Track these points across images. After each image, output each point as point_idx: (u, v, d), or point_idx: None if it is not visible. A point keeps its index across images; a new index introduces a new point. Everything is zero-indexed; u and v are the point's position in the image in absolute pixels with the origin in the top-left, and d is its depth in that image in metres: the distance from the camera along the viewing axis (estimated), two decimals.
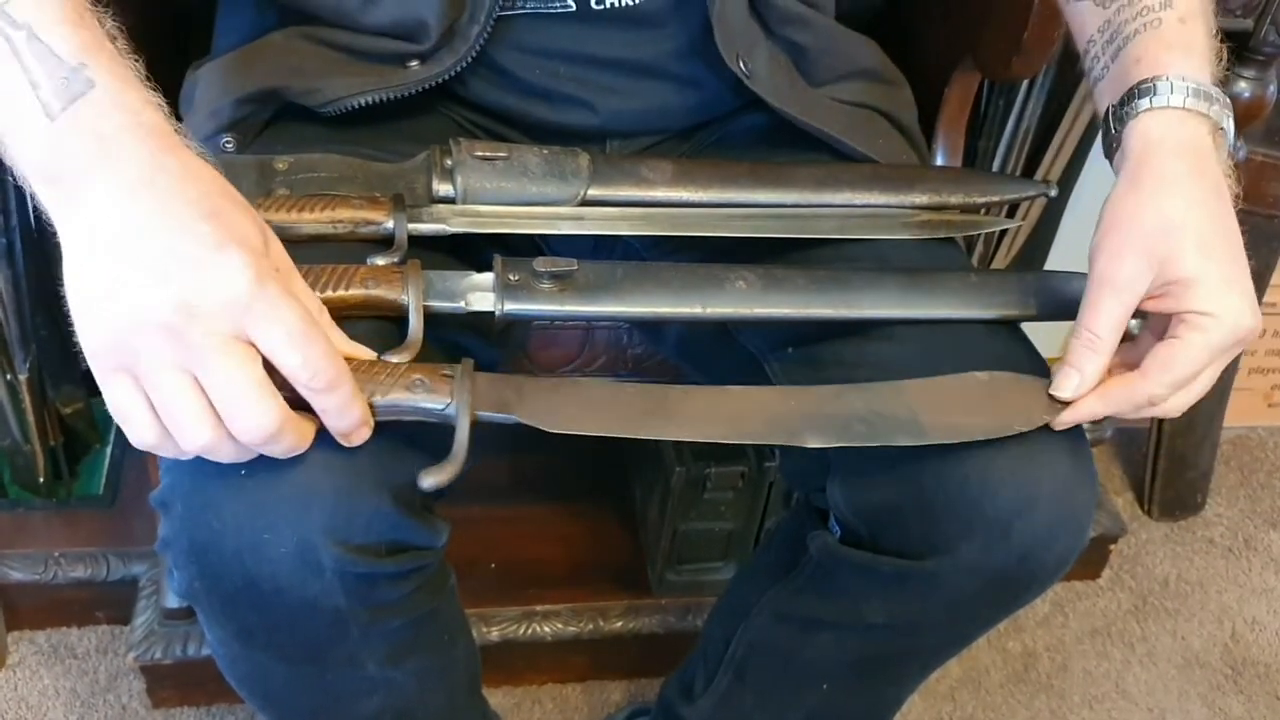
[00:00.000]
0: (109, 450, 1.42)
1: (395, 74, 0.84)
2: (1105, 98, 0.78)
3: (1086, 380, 0.73)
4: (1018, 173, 1.34)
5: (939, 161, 1.11)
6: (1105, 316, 0.72)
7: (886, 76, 0.99)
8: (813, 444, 0.71)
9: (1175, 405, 0.74)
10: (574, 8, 0.85)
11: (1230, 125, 0.75)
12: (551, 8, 0.85)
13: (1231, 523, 1.65)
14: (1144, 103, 0.73)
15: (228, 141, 0.85)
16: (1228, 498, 1.69)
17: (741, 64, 0.86)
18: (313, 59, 0.86)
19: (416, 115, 0.90)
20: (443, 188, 0.82)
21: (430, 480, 0.66)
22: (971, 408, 0.74)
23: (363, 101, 0.83)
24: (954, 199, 0.89)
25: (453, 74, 0.84)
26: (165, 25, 1.08)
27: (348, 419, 0.63)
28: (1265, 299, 1.48)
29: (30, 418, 1.29)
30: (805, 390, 0.74)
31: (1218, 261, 0.72)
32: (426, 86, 0.84)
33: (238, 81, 0.85)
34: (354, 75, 0.84)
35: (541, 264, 0.75)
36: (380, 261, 0.74)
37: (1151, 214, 0.72)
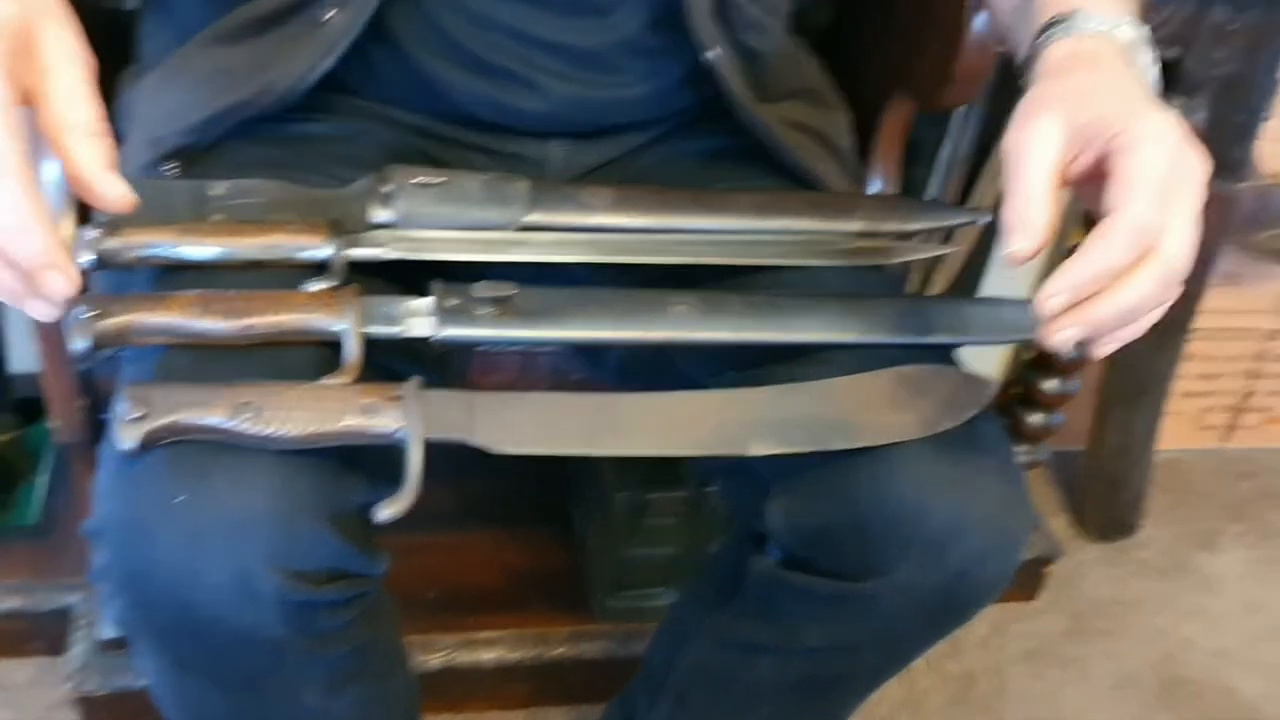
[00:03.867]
0: (42, 480, 1.40)
1: (323, 34, 0.82)
2: (1020, 52, 0.76)
3: (1033, 231, 0.64)
4: (952, 200, 1.37)
5: (875, 188, 1.12)
6: (1028, 169, 0.65)
7: (828, 101, 1.00)
8: (755, 451, 0.73)
9: (1175, 251, 0.63)
10: None
11: (1147, 54, 0.72)
12: None
13: (1165, 545, 1.68)
14: (1044, 38, 0.71)
15: (173, 168, 0.84)
16: (1161, 520, 1.71)
17: (709, 56, 0.86)
18: (242, 59, 0.84)
19: (354, 140, 0.90)
20: (381, 214, 0.82)
21: (386, 513, 0.66)
22: (900, 404, 0.75)
23: (313, 78, 0.82)
24: (888, 226, 0.90)
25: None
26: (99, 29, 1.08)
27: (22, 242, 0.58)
28: (1195, 323, 1.51)
29: None
30: (747, 393, 0.75)
31: (1143, 102, 0.67)
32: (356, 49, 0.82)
33: (179, 107, 0.85)
34: (288, 58, 0.83)
35: (481, 289, 0.75)
36: (316, 287, 0.73)
37: (1057, 88, 0.68)
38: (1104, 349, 0.69)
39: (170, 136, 0.84)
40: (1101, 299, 0.64)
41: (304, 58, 0.83)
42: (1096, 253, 0.63)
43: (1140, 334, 0.68)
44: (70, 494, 1.35)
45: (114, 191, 0.62)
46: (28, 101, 0.60)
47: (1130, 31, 0.72)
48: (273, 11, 0.84)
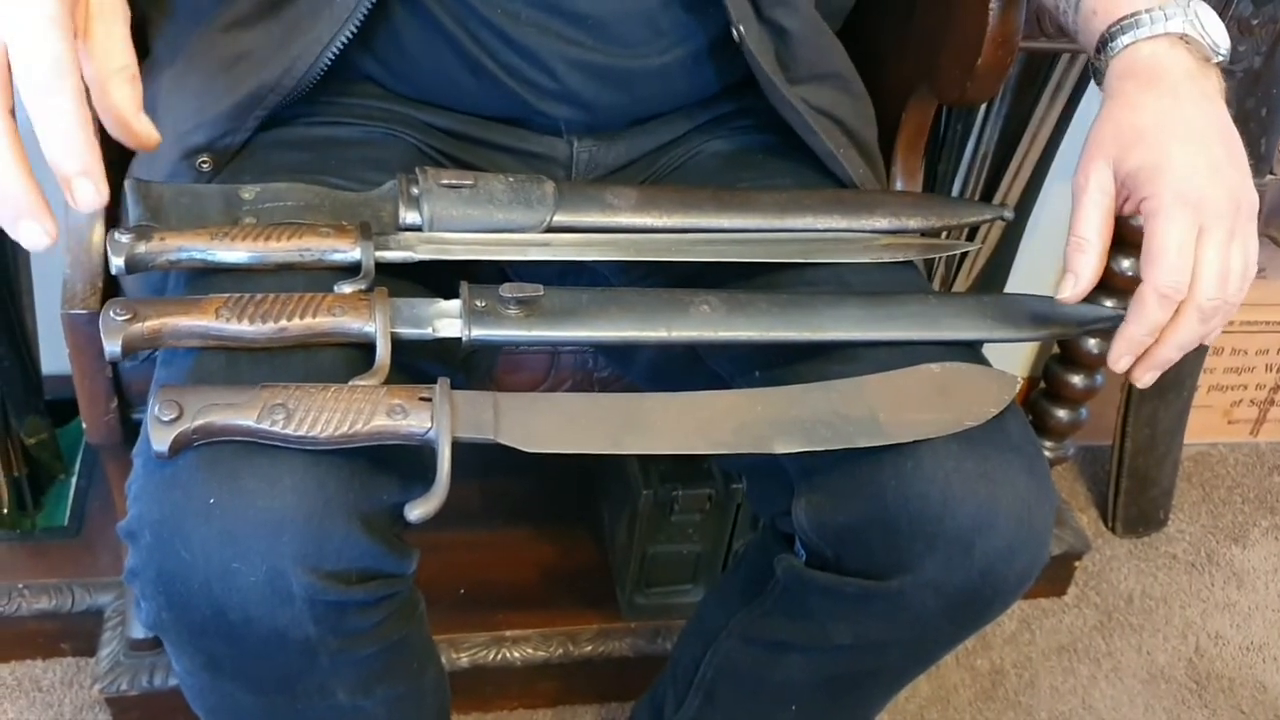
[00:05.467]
0: (74, 480, 1.41)
1: (337, 6, 0.82)
2: (1091, 57, 0.82)
3: (1082, 280, 0.76)
4: (977, 195, 1.36)
5: (898, 185, 1.12)
6: (1084, 217, 0.76)
7: (853, 88, 1.00)
8: (780, 449, 0.73)
9: (1204, 292, 0.74)
10: None
11: (1200, 24, 0.77)
12: None
13: (1194, 538, 1.67)
14: (1107, 53, 0.78)
15: (204, 162, 0.85)
16: (1190, 514, 1.71)
17: (737, 30, 0.86)
18: (260, 40, 0.85)
19: (381, 143, 0.91)
20: (409, 216, 0.82)
21: (417, 512, 0.66)
22: (926, 403, 0.76)
23: (337, 47, 0.83)
24: (913, 223, 0.90)
25: None
26: None
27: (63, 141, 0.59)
28: None
29: None
30: (771, 392, 0.76)
31: (1177, 143, 0.75)
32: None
33: (203, 98, 0.86)
34: (306, 34, 0.83)
35: (508, 290, 0.75)
36: (347, 289, 0.74)
37: (1111, 128, 0.77)
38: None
39: (198, 130, 0.85)
40: (1158, 347, 0.77)
41: (321, 31, 0.83)
42: (1137, 320, 0.75)
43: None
44: (103, 495, 1.37)
45: (145, 129, 0.66)
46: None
47: (1181, 19, 0.76)
48: None
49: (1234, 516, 1.72)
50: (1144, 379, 0.78)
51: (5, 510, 1.33)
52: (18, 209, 0.60)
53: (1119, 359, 0.77)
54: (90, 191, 0.60)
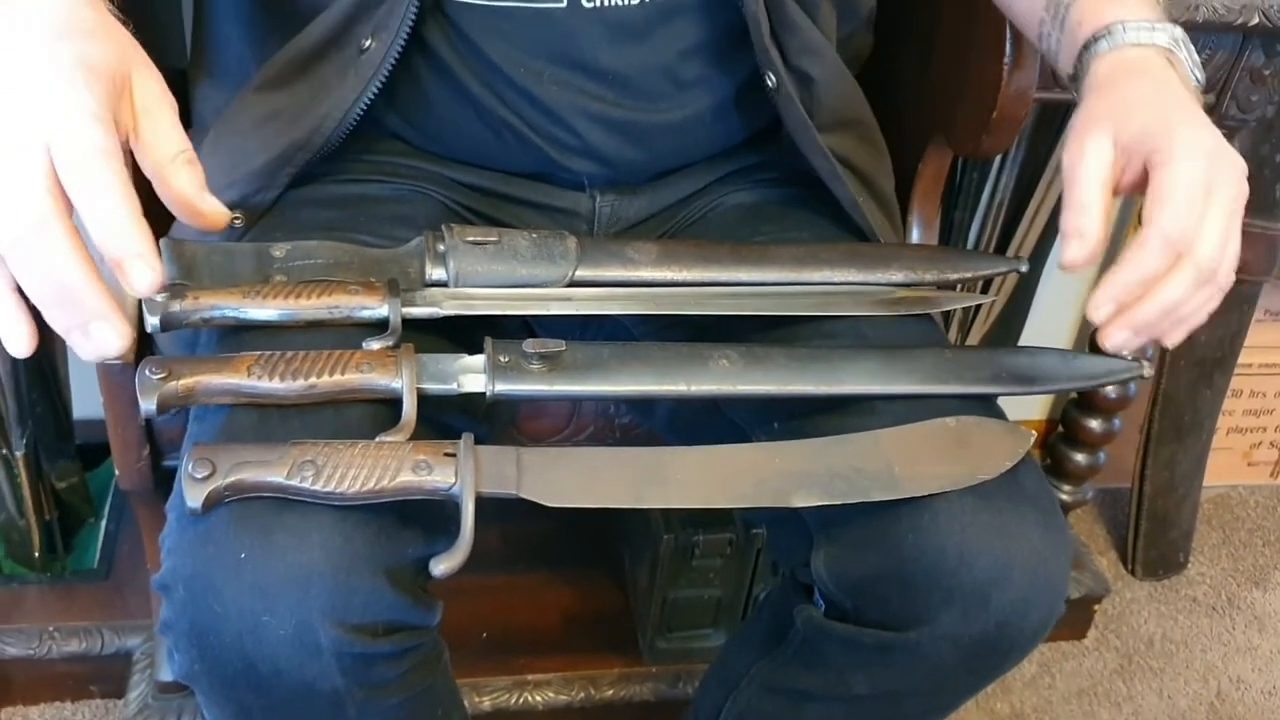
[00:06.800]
0: (103, 523, 1.44)
1: (364, 63, 0.85)
2: (1064, 69, 0.81)
3: (1088, 240, 0.72)
4: (993, 243, 1.38)
5: (914, 233, 1.14)
6: (1082, 183, 0.72)
7: (874, 139, 1.01)
8: (799, 503, 0.74)
9: (1205, 250, 0.71)
10: (564, 3, 0.85)
11: (1184, 49, 0.77)
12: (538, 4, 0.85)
13: (1215, 581, 1.67)
14: (1089, 53, 0.77)
15: (236, 218, 0.87)
16: (1210, 556, 1.71)
17: (770, 79, 0.88)
18: (292, 100, 0.88)
19: (407, 200, 0.93)
20: (435, 272, 0.84)
21: (442, 568, 0.68)
22: (941, 456, 0.77)
23: (363, 105, 0.85)
24: (929, 276, 0.92)
25: (413, 19, 0.83)
26: None
27: (114, 229, 0.59)
28: (1241, 359, 1.51)
29: (26, 493, 1.31)
30: (790, 446, 0.77)
31: (1181, 113, 0.73)
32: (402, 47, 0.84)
33: (237, 157, 0.88)
34: (335, 92, 0.86)
35: (531, 345, 0.77)
36: (375, 346, 0.76)
37: (1106, 104, 0.74)
38: (1174, 337, 0.76)
39: (231, 188, 0.88)
40: (1143, 302, 0.72)
41: (348, 90, 0.85)
42: (1133, 263, 0.71)
43: (1189, 331, 0.75)
44: (132, 538, 1.38)
45: (212, 209, 0.67)
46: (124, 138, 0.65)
47: (1167, 36, 0.77)
48: (316, 44, 0.87)
49: (1255, 559, 1.72)
50: (1114, 339, 0.73)
51: (36, 554, 1.35)
52: (88, 311, 0.59)
53: (1101, 306, 0.73)
54: (146, 272, 0.60)
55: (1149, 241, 0.71)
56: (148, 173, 0.65)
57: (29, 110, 0.59)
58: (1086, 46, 0.78)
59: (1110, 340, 0.73)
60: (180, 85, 1.05)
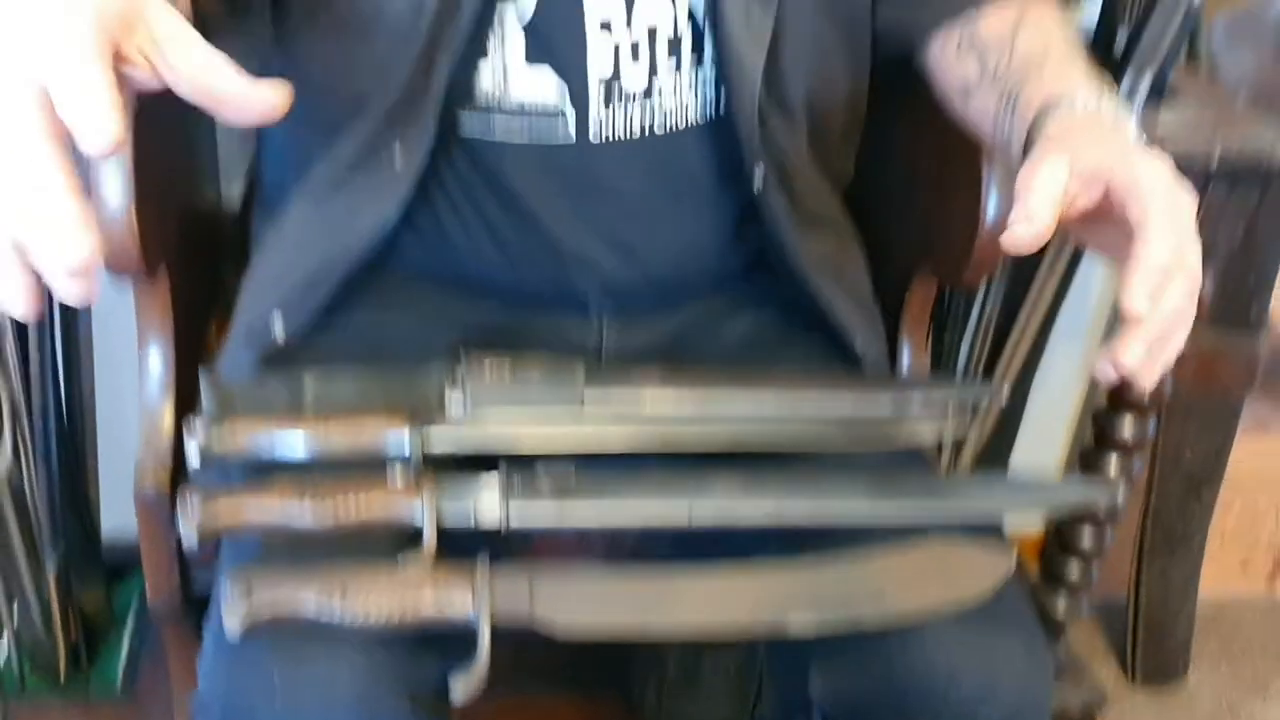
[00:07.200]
0: (125, 641, 1.47)
1: (397, 179, 0.91)
2: (1016, 149, 0.83)
3: (1036, 219, 0.69)
4: (982, 363, 1.43)
5: (905, 356, 1.19)
6: (1036, 192, 0.70)
7: (849, 246, 1.08)
8: (794, 629, 0.78)
9: (1191, 260, 0.70)
10: (573, 139, 0.93)
11: (1132, 121, 0.79)
12: (546, 140, 0.92)
13: (1215, 691, 1.69)
14: (1039, 121, 0.80)
15: (271, 344, 0.94)
16: (1210, 666, 1.72)
17: (756, 182, 0.94)
18: (327, 214, 0.94)
19: (428, 329, 1.00)
20: (454, 397, 0.91)
21: (461, 691, 0.72)
22: (930, 581, 0.81)
23: (383, 232, 0.92)
24: (917, 406, 0.97)
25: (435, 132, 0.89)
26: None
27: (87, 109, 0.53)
28: (1229, 472, 1.55)
29: (55, 613, 1.35)
30: (786, 571, 0.81)
31: (1135, 148, 0.75)
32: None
33: (276, 276, 0.95)
34: (370, 206, 0.92)
35: (541, 474, 0.83)
36: (399, 484, 0.82)
37: (1060, 143, 0.76)
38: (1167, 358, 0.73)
39: (262, 318, 0.94)
40: (1152, 311, 0.70)
41: (384, 203, 0.92)
42: (1158, 243, 0.70)
43: (1175, 355, 0.72)
44: (154, 655, 1.42)
45: (264, 93, 0.60)
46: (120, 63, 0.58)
47: (1113, 105, 0.81)
48: (351, 157, 0.93)
49: (1253, 669, 1.73)
50: (1131, 353, 0.70)
51: (61, 671, 1.39)
52: (59, 209, 0.52)
53: (1140, 297, 0.69)
54: (107, 125, 0.53)
55: (1164, 231, 0.70)
56: (186, 95, 0.60)
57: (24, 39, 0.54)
58: (1037, 118, 0.80)
59: (1127, 354, 0.70)
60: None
